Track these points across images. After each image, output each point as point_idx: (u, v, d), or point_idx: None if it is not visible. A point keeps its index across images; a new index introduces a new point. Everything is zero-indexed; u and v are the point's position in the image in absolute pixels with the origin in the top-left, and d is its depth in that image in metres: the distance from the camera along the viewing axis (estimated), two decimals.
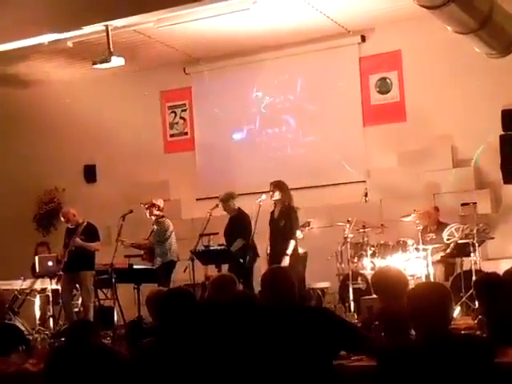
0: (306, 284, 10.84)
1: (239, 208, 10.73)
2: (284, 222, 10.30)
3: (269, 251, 10.45)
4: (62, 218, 11.38)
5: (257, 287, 9.95)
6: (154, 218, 11.20)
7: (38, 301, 11.72)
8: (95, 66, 10.97)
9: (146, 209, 11.20)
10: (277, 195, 10.37)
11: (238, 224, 10.48)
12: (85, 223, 11.02)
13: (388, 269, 6.56)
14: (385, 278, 5.53)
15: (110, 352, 5.45)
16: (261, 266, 10.45)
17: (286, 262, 9.99)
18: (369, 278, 10.44)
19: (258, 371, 4.37)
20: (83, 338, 5.29)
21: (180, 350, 4.49)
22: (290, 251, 10.11)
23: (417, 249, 10.44)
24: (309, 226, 10.63)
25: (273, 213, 10.50)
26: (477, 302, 9.06)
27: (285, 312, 4.56)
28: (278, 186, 10.44)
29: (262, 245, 10.52)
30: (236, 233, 10.42)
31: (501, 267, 9.02)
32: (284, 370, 4.38)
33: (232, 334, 4.53)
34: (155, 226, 11.14)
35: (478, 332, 5.51)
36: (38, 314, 11.64)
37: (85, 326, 5.55)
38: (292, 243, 10.18)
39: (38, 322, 11.49)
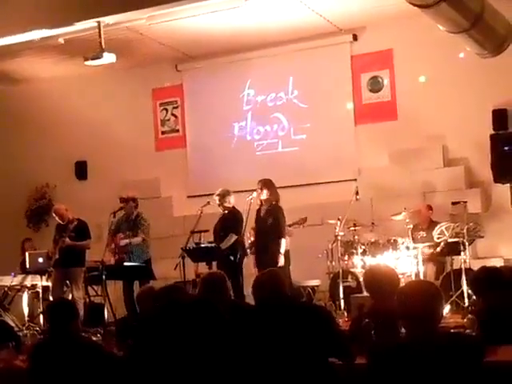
0: (297, 282, 10.86)
1: (233, 206, 10.71)
2: (272, 221, 10.30)
3: (253, 249, 10.44)
4: (54, 215, 11.31)
5: (246, 284, 10.02)
6: (134, 214, 11.09)
7: (25, 297, 11.71)
8: (87, 63, 10.94)
9: (127, 202, 11.03)
10: (265, 194, 10.37)
11: (232, 221, 10.43)
12: (75, 221, 10.98)
13: (380, 267, 6.56)
14: (376, 276, 5.53)
15: (95, 347, 5.44)
16: (249, 263, 10.49)
17: (281, 261, 10.03)
18: (359, 276, 10.48)
19: (250, 368, 4.39)
20: (64, 322, 5.25)
21: (170, 349, 4.49)
22: (283, 250, 10.14)
23: (407, 247, 10.46)
24: (304, 222, 10.60)
25: (259, 211, 10.49)
26: (473, 297, 9.12)
27: (279, 309, 4.62)
28: (266, 184, 10.43)
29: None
30: (230, 229, 10.37)
31: None
32: (278, 367, 4.41)
33: (221, 333, 4.54)
34: (142, 222, 11.03)
35: (468, 330, 5.52)
36: (26, 310, 11.63)
37: (65, 309, 5.46)
38: (283, 242, 10.21)
39: (26, 318, 11.48)
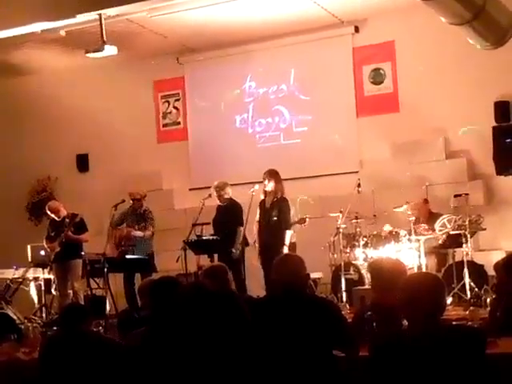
0: None
1: (231, 197, 10.72)
2: (277, 213, 10.29)
3: (258, 241, 10.41)
4: (50, 212, 11.20)
5: (249, 276, 10.05)
6: (143, 208, 11.17)
7: (33, 288, 11.73)
8: (88, 55, 10.96)
9: (139, 200, 11.15)
10: (271, 185, 10.36)
11: (230, 213, 10.44)
12: (77, 216, 10.97)
13: (387, 259, 6.53)
14: (380, 268, 5.49)
15: (105, 340, 5.47)
16: (251, 257, 10.48)
17: (285, 252, 10.00)
18: (361, 268, 10.49)
19: (255, 359, 4.39)
20: (76, 323, 5.30)
21: (172, 339, 4.49)
22: (287, 241, 10.14)
23: (409, 239, 10.45)
24: (304, 222, 10.56)
25: (263, 202, 10.48)
26: (475, 290, 9.11)
27: (287, 302, 4.65)
28: (273, 175, 10.42)
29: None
30: (232, 221, 10.35)
31: (492, 258, 9.06)
32: (282, 357, 4.42)
33: (227, 323, 4.54)
34: (151, 216, 11.11)
35: (470, 323, 5.53)
36: (36, 300, 11.67)
37: (77, 311, 5.55)
38: (288, 233, 10.22)
39: (36, 306, 11.52)
